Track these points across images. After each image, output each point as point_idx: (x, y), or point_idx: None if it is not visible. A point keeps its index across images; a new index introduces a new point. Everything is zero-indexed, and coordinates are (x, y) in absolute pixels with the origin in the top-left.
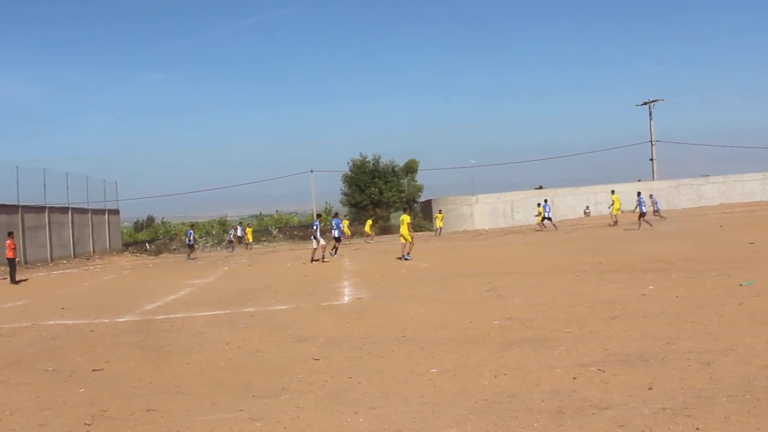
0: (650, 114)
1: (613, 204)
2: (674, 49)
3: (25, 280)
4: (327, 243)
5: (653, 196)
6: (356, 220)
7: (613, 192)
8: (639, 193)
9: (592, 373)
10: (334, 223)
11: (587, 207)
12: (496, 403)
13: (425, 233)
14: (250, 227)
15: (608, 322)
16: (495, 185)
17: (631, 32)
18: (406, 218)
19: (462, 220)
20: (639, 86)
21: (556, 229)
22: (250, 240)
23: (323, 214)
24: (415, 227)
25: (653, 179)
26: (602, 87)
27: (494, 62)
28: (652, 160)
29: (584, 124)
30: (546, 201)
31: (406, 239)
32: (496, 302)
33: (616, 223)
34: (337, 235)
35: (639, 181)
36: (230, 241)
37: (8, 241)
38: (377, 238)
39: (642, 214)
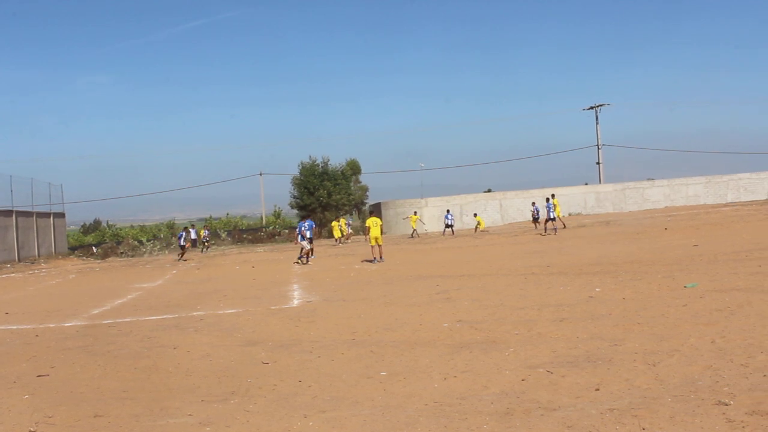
0: (597, 118)
1: (556, 207)
2: (619, 54)
3: None
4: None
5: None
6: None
7: (553, 196)
8: (547, 199)
9: (541, 374)
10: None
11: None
12: (446, 405)
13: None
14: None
15: (556, 324)
16: (444, 189)
17: (578, 38)
18: (379, 221)
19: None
20: (586, 90)
21: (453, 235)
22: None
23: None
24: (363, 230)
25: (600, 182)
26: (550, 91)
27: (439, 68)
28: (598, 163)
29: (532, 127)
30: (449, 211)
31: (378, 242)
32: (446, 305)
33: (564, 226)
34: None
35: (586, 184)
36: (204, 243)
37: None
38: (327, 242)
39: (550, 219)
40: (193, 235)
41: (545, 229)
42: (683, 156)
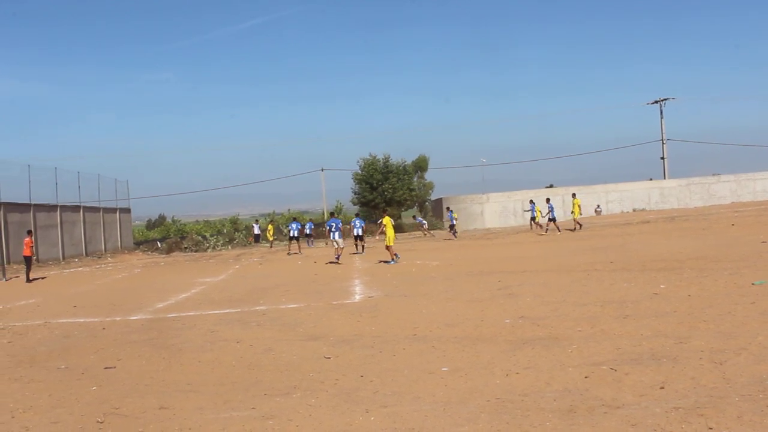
0: (661, 112)
1: (574, 207)
2: (683, 48)
3: (44, 278)
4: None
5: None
6: (367, 219)
7: (574, 196)
8: (548, 200)
9: (604, 372)
10: (336, 224)
11: (598, 206)
12: (508, 401)
13: (438, 231)
14: (273, 223)
15: (620, 321)
16: (505, 184)
17: (640, 32)
18: (389, 220)
19: (473, 219)
20: (649, 85)
21: (455, 237)
22: (272, 238)
23: (335, 213)
24: (429, 226)
25: (664, 178)
26: (613, 86)
27: (498, 62)
28: (663, 158)
29: (595, 123)
30: (449, 208)
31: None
32: (507, 301)
33: (580, 226)
34: (357, 234)
35: (650, 179)
36: (293, 237)
37: (27, 239)
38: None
39: (552, 220)
40: (256, 230)
41: (558, 228)
42: (750, 151)
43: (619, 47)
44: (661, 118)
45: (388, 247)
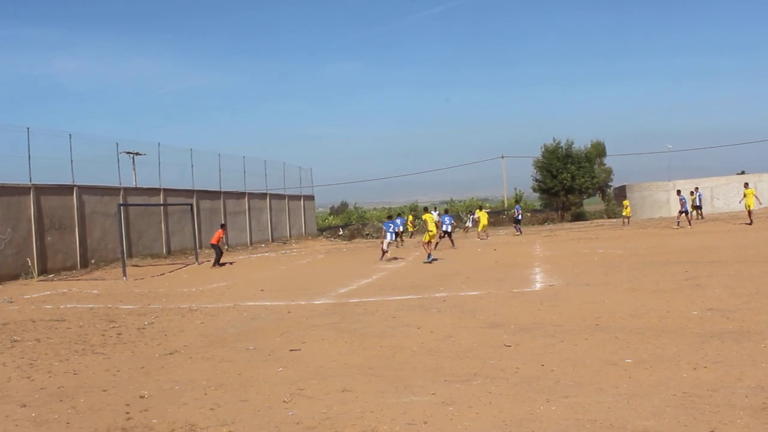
0: None
1: (745, 198)
2: None
3: (232, 262)
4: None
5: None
6: (548, 206)
7: (746, 185)
8: (696, 189)
9: None
10: (397, 222)
11: None
12: (696, 396)
13: (615, 221)
14: (422, 213)
15: None
16: (693, 171)
17: None
18: (430, 217)
19: (657, 207)
20: None
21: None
22: (412, 229)
23: (401, 213)
24: (608, 213)
25: None
26: None
27: (684, 45)
28: None
29: None
30: (447, 211)
31: (431, 238)
32: (695, 292)
33: (750, 219)
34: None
35: None
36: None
37: (218, 231)
38: (569, 226)
39: (688, 210)
40: (435, 218)
41: (683, 221)
42: None
43: None
44: None
45: (427, 243)
